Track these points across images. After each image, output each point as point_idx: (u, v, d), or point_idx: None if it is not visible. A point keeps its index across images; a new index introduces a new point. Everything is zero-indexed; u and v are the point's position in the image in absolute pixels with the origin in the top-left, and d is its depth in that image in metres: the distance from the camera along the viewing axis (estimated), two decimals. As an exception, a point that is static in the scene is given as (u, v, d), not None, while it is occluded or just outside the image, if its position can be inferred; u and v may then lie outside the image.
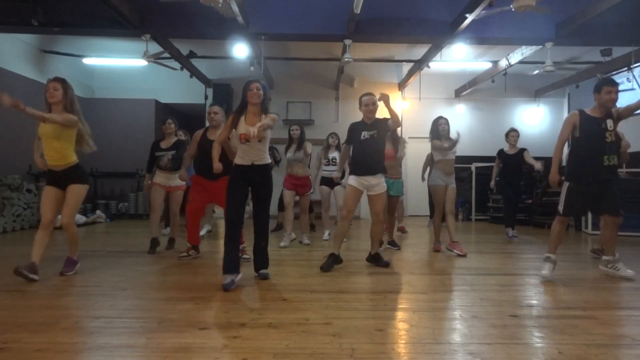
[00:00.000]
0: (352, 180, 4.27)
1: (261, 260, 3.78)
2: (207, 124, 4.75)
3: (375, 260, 4.41)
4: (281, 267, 4.30)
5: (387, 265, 4.32)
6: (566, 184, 3.86)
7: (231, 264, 3.48)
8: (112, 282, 3.67)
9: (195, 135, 4.71)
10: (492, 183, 6.70)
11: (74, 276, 3.83)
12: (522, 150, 6.40)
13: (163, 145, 5.34)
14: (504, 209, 6.82)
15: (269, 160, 3.74)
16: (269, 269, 3.82)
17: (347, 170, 5.97)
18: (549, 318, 2.84)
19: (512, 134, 6.54)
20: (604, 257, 4.02)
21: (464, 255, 4.86)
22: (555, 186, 3.91)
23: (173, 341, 2.33)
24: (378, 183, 4.22)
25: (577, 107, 10.52)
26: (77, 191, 3.77)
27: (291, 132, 5.81)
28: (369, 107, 4.24)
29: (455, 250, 4.96)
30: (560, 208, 3.87)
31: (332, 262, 4.19)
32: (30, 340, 2.32)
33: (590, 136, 3.72)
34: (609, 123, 3.69)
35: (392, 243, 5.54)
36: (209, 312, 2.89)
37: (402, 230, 7.22)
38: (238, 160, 3.64)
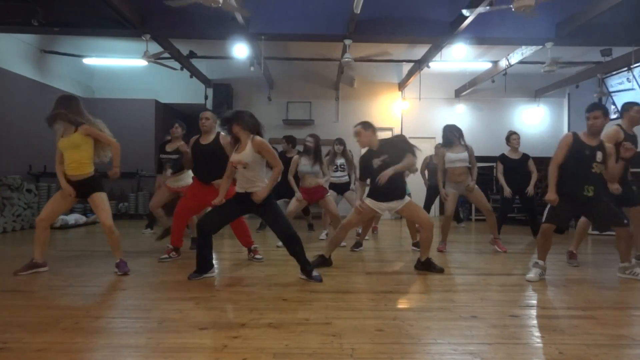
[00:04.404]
0: (369, 201, 4.12)
1: (302, 263, 3.75)
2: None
3: (426, 266, 4.15)
4: (281, 267, 4.30)
5: (441, 271, 4.06)
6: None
7: (198, 265, 3.76)
8: (112, 282, 3.67)
9: (190, 141, 4.71)
10: (508, 191, 6.08)
11: (73, 276, 3.83)
12: (526, 156, 6.18)
13: (168, 148, 5.46)
14: (500, 214, 6.32)
15: (263, 185, 3.72)
16: (314, 270, 3.78)
17: (355, 176, 6.00)
18: (549, 318, 2.84)
19: (514, 137, 6.24)
20: (621, 265, 3.97)
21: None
22: (554, 204, 3.82)
23: (173, 341, 2.33)
24: (397, 203, 4.07)
25: (577, 107, 10.48)
26: (100, 198, 3.97)
27: (306, 143, 5.61)
28: (355, 137, 4.15)
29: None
30: (544, 217, 3.91)
31: (320, 263, 4.20)
32: (30, 340, 2.33)
33: (578, 162, 3.73)
34: (599, 155, 3.68)
35: (357, 245, 5.38)
36: (209, 312, 2.89)
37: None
38: (237, 187, 3.80)
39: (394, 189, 4.06)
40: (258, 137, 3.67)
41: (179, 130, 5.46)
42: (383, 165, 3.98)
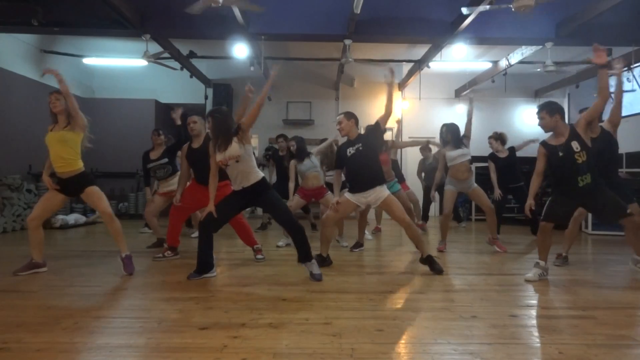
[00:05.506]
0: (348, 195, 4.21)
1: (301, 252, 3.78)
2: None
3: (427, 263, 4.11)
4: (281, 267, 4.31)
5: (440, 272, 4.00)
6: (551, 197, 3.91)
7: (200, 265, 3.76)
8: (112, 282, 3.67)
9: (182, 150, 4.73)
10: (498, 193, 6.08)
11: (73, 276, 3.83)
12: (513, 149, 6.27)
13: (153, 156, 5.53)
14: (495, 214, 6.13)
15: (259, 176, 3.79)
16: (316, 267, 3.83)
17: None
18: (549, 318, 2.84)
19: (489, 142, 6.35)
20: (634, 257, 3.96)
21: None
22: (527, 213, 3.91)
23: (173, 341, 2.34)
24: (375, 195, 4.09)
25: (577, 106, 10.45)
26: (93, 190, 3.95)
27: (291, 148, 5.64)
28: (337, 126, 4.25)
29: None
30: (542, 214, 3.88)
31: (319, 263, 4.14)
32: (30, 340, 2.33)
33: (561, 163, 3.68)
34: (575, 145, 3.62)
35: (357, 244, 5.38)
36: (209, 312, 2.89)
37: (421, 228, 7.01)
38: (234, 187, 3.86)
39: (369, 177, 4.10)
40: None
41: (162, 137, 5.58)
42: (356, 153, 4.10)
